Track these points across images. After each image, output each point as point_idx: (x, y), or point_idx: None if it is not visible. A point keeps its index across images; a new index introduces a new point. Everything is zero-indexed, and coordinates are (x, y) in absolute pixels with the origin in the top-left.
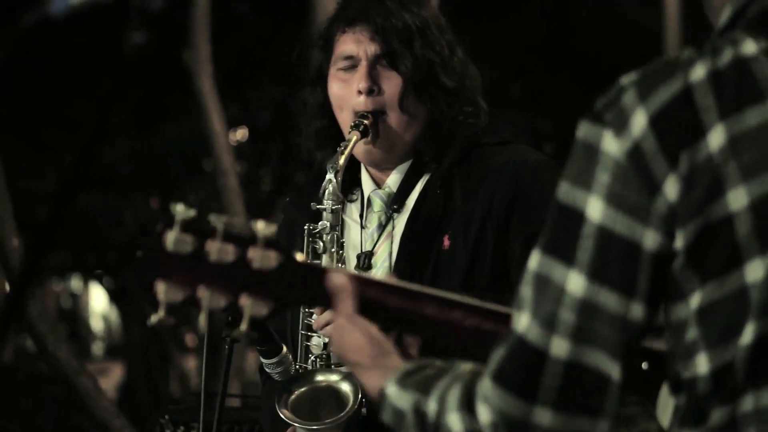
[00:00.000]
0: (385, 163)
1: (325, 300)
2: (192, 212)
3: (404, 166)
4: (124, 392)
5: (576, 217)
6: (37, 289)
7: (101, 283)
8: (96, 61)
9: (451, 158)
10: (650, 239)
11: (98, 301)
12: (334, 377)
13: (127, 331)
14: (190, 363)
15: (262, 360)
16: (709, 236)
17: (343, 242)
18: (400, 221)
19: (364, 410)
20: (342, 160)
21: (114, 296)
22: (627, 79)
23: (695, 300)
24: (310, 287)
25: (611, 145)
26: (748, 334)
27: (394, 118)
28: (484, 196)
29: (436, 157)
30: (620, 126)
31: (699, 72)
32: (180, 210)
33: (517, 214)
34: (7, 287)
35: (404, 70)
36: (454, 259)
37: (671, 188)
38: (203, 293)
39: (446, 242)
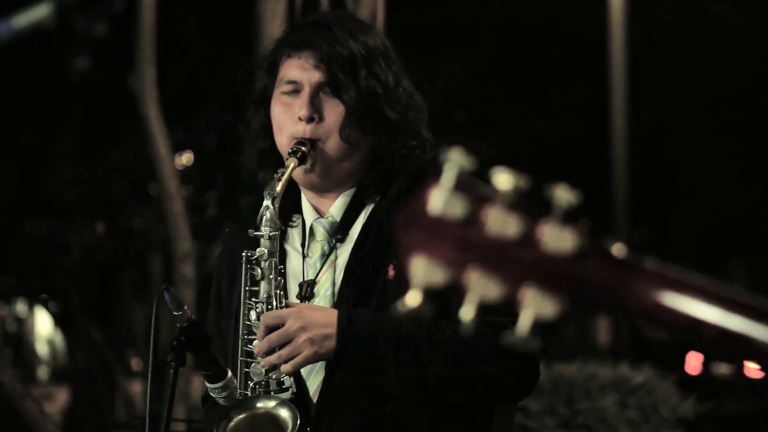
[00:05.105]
0: (325, 190)
1: (644, 309)
2: (470, 163)
3: (347, 196)
4: (69, 416)
5: None
6: None
7: (46, 307)
8: (40, 87)
9: (397, 188)
10: None
11: (43, 325)
12: (272, 403)
13: (72, 355)
14: (136, 387)
15: (207, 384)
16: None
17: (282, 269)
18: (344, 251)
19: None
20: (279, 187)
21: (59, 321)
22: None
23: None
24: (621, 287)
25: None
26: None
27: (332, 145)
28: None
29: (380, 188)
30: None
31: None
32: (456, 157)
33: None
34: None
35: (347, 99)
36: (399, 288)
37: None
38: (473, 277)
39: (391, 272)
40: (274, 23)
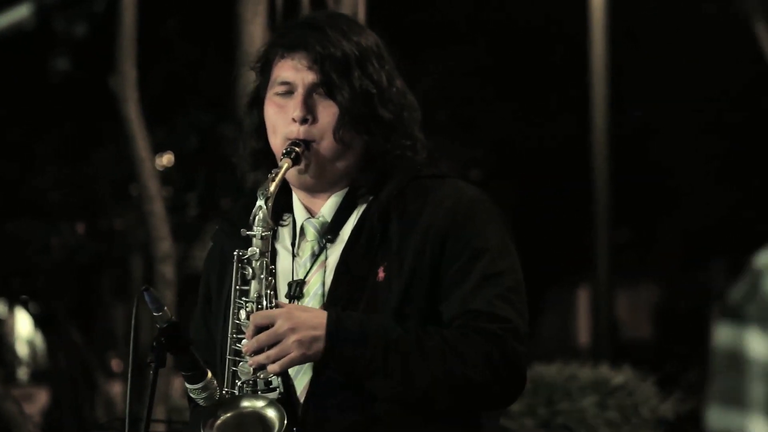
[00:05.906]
0: (317, 190)
1: None
2: None
3: (338, 196)
4: (49, 418)
5: None
6: None
7: (27, 308)
8: (21, 88)
9: (389, 190)
10: None
11: (23, 326)
12: (260, 403)
13: (52, 356)
14: (116, 388)
15: (187, 385)
16: None
17: (273, 269)
18: (334, 251)
19: None
20: (272, 187)
21: (39, 322)
22: (764, 258)
23: None
24: None
25: (759, 346)
26: None
27: (326, 146)
28: (420, 229)
29: (373, 189)
30: (766, 319)
31: None
32: None
33: (449, 248)
34: None
35: (341, 100)
36: (389, 291)
37: None
38: None
39: (381, 274)
40: (254, 24)
